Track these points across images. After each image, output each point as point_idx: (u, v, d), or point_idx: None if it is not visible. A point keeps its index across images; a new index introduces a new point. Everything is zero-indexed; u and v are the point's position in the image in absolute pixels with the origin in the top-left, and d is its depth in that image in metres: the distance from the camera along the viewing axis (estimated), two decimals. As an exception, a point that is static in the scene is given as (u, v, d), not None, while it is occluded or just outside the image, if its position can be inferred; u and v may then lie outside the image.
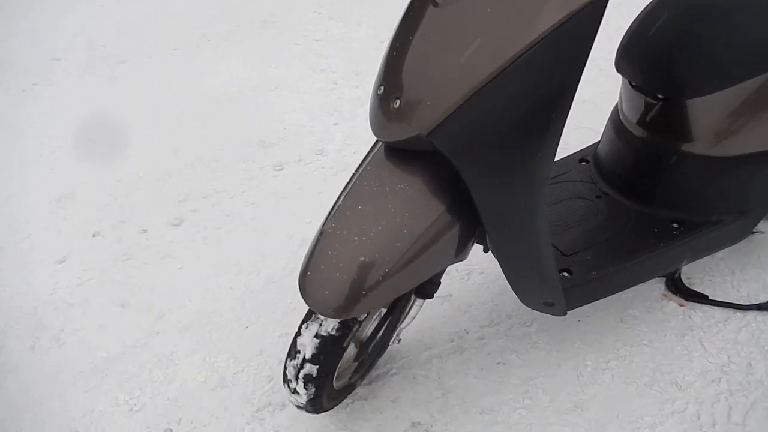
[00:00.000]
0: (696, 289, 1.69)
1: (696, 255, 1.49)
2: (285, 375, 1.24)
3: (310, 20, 3.45)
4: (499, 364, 1.56)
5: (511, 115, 0.96)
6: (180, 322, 1.76)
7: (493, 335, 1.64)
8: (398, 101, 1.01)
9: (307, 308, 1.25)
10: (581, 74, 0.95)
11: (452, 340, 1.63)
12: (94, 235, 2.11)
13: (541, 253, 1.16)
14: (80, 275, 1.94)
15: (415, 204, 1.05)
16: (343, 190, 1.12)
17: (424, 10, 1.03)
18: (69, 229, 2.14)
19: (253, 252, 1.98)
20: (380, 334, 1.28)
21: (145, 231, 2.11)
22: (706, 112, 1.35)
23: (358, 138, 2.52)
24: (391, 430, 1.44)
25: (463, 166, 0.99)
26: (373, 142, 1.19)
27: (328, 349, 1.17)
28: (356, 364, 1.35)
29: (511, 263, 1.20)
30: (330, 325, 1.16)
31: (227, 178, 2.34)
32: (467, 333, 1.65)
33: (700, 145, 1.39)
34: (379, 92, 1.06)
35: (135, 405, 1.55)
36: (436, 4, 1.01)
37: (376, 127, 1.08)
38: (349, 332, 1.17)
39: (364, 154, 1.19)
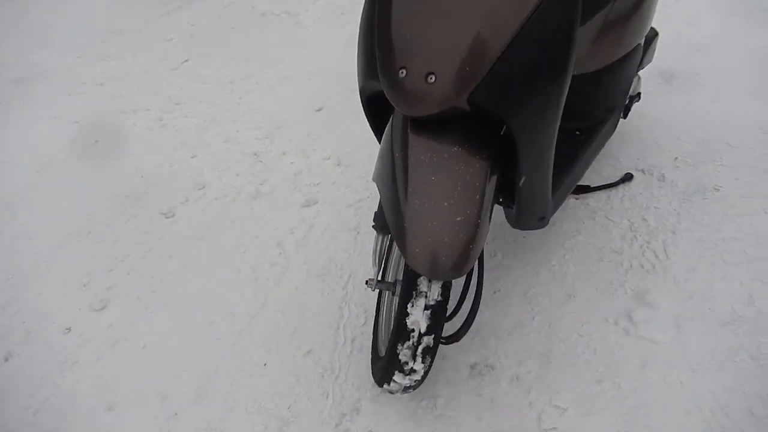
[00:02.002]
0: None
1: (597, 151, 1.90)
2: (397, 363, 1.29)
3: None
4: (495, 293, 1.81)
5: (533, 60, 1.16)
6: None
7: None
8: (433, 76, 1.15)
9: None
10: (579, 12, 1.19)
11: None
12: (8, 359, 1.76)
13: (551, 172, 1.40)
14: None
15: (471, 161, 1.20)
16: (395, 171, 1.21)
17: None
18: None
19: (213, 298, 1.87)
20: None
21: (69, 330, 1.82)
22: (581, 41, 1.73)
23: (227, 161, 2.46)
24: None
25: (504, 112, 1.17)
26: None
27: (439, 316, 1.26)
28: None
29: (533, 193, 1.41)
30: (435, 293, 1.24)
31: (121, 242, 2.11)
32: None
33: (580, 66, 1.76)
34: (402, 75, 1.18)
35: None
36: None
37: (411, 106, 1.20)
38: (449, 293, 1.28)
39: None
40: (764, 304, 1.63)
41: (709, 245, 1.84)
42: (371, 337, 1.63)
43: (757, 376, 1.47)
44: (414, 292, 1.25)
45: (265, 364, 1.66)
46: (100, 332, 1.80)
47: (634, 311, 1.67)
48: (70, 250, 2.11)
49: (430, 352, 1.29)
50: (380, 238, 1.45)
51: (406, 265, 1.25)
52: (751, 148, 2.20)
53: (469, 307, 1.34)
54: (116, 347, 1.75)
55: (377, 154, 1.40)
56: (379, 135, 1.56)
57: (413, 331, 1.26)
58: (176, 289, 1.92)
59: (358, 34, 1.43)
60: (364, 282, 1.51)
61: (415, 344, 1.27)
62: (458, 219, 1.15)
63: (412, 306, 1.25)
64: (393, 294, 1.49)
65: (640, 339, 1.60)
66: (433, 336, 1.27)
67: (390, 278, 1.56)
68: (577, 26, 1.20)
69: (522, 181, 1.35)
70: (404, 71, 1.19)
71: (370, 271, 1.87)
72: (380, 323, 1.60)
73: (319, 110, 2.75)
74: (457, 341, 1.36)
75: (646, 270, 1.79)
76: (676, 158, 2.21)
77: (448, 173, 1.20)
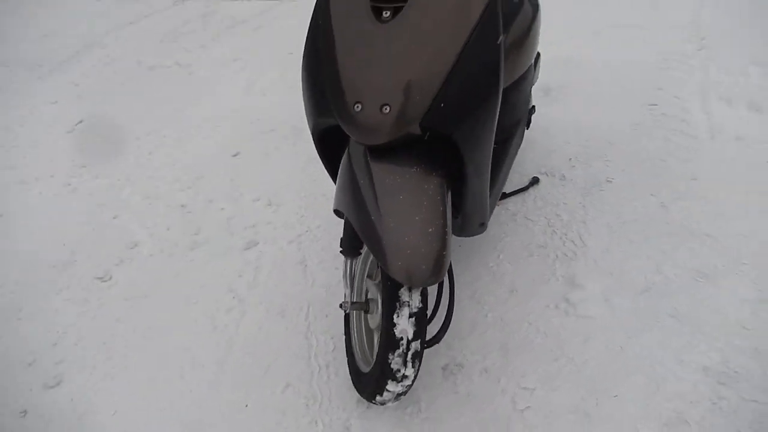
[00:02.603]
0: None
1: (512, 160, 2.12)
2: (389, 373, 1.38)
3: None
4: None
5: (472, 81, 1.34)
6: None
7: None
8: (387, 107, 1.31)
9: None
10: (501, 33, 1.38)
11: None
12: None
13: (489, 180, 1.58)
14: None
15: (429, 179, 1.36)
16: (364, 196, 1.33)
17: (368, 29, 1.34)
18: None
19: (177, 353, 1.85)
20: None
21: (25, 413, 1.71)
22: None
23: (154, 217, 2.43)
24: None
25: (452, 131, 1.34)
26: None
27: (422, 321, 1.37)
28: None
29: (476, 200, 1.58)
30: (416, 301, 1.35)
31: (60, 314, 2.01)
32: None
33: None
34: (357, 109, 1.33)
35: None
36: (383, 22, 1.32)
37: (369, 136, 1.34)
38: (427, 299, 1.40)
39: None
40: (669, 271, 1.92)
41: (615, 229, 2.12)
42: (345, 359, 1.71)
43: (677, 330, 1.73)
44: (397, 303, 1.36)
45: (246, 406, 1.68)
46: (61, 409, 1.71)
47: (568, 294, 1.88)
48: (3, 331, 1.97)
49: (418, 357, 1.40)
50: (349, 261, 1.54)
51: (386, 281, 1.36)
52: (627, 143, 2.56)
53: (446, 309, 1.47)
54: (84, 420, 1.67)
55: (337, 185, 1.51)
56: (331, 168, 1.67)
57: (402, 339, 1.36)
58: (133, 351, 1.87)
59: (301, 79, 1.54)
60: (338, 305, 1.59)
61: (405, 351, 1.37)
62: (430, 230, 1.29)
63: (398, 316, 1.36)
64: (366, 312, 1.59)
65: (579, 317, 1.81)
66: (419, 341, 1.38)
67: (360, 298, 1.65)
68: (502, 47, 1.40)
69: (468, 190, 1.51)
70: (359, 105, 1.33)
71: (326, 300, 1.97)
72: (353, 343, 1.68)
73: (235, 155, 2.79)
74: (438, 342, 1.48)
75: (570, 257, 2.03)
76: (570, 159, 2.51)
77: (413, 192, 1.33)
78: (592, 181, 2.36)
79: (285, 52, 3.71)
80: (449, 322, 1.46)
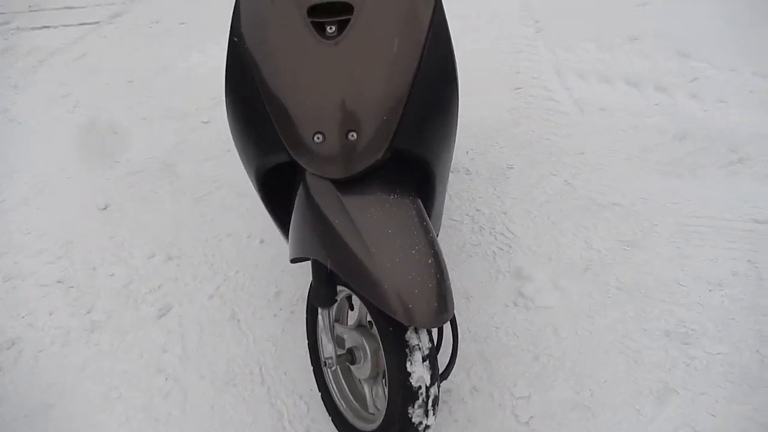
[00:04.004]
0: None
1: None
2: (411, 427, 1.20)
3: None
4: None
5: (433, 95, 1.24)
6: None
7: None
8: (354, 133, 1.15)
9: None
10: (453, 49, 1.28)
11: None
12: None
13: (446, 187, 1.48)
14: None
15: (409, 203, 1.21)
16: (344, 237, 1.14)
17: (312, 48, 1.17)
18: None
19: None
20: None
21: None
22: None
23: (27, 302, 1.95)
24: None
25: (422, 149, 1.23)
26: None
27: (435, 361, 1.22)
28: None
29: (438, 211, 1.47)
30: (425, 341, 1.20)
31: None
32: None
33: None
34: (318, 140, 1.16)
35: None
36: (329, 38, 1.16)
37: (335, 168, 1.17)
38: (432, 335, 1.24)
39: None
40: (598, 245, 1.98)
41: (534, 213, 2.14)
42: (329, 419, 1.49)
43: (628, 301, 1.78)
44: (407, 349, 1.19)
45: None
46: None
47: (521, 288, 1.85)
48: None
49: (437, 401, 1.25)
50: (325, 312, 1.33)
51: (386, 326, 1.18)
52: (511, 128, 2.62)
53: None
54: None
55: (294, 230, 1.29)
56: (274, 212, 1.43)
57: (420, 388, 1.20)
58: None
59: (229, 115, 1.29)
60: (322, 364, 1.38)
61: (425, 400, 1.21)
62: (429, 261, 1.14)
63: (411, 363, 1.19)
64: (353, 362, 1.39)
65: (539, 309, 1.79)
66: (437, 383, 1.23)
67: (340, 349, 1.44)
68: (455, 57, 1.29)
69: (432, 202, 1.39)
70: (320, 136, 1.16)
71: (278, 356, 1.71)
72: (336, 400, 1.48)
73: (104, 208, 2.35)
74: (446, 378, 1.34)
75: (506, 251, 2.00)
76: (467, 152, 2.50)
77: (400, 222, 1.18)
78: (496, 170, 2.37)
79: (124, 81, 3.24)
80: (456, 354, 1.32)
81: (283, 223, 1.44)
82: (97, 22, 4.14)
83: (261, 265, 2.01)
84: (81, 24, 4.14)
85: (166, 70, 3.40)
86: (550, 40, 3.31)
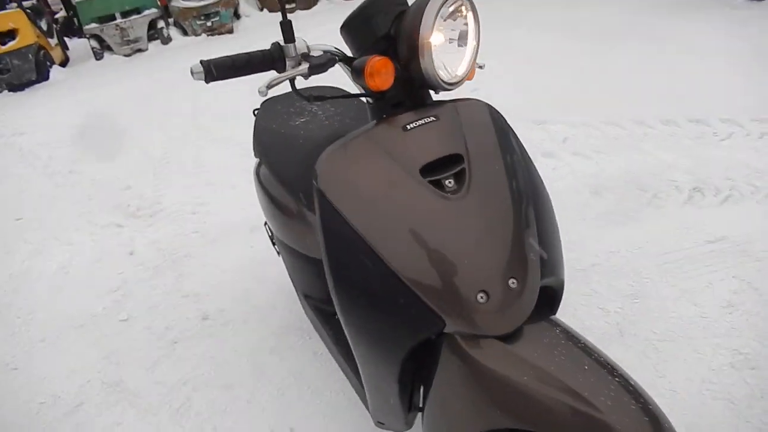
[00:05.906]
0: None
1: None
2: None
3: None
4: None
5: (539, 204, 1.18)
6: None
7: None
8: (514, 281, 1.04)
9: None
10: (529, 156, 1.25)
11: None
12: None
13: None
14: None
15: (568, 329, 1.10)
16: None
17: (439, 207, 1.06)
18: None
19: None
20: None
21: None
22: None
23: None
24: None
25: (559, 267, 1.16)
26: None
27: None
28: None
29: None
30: None
31: None
32: None
33: None
34: (481, 299, 1.02)
35: None
36: (450, 192, 1.07)
37: (503, 323, 1.02)
38: None
39: None
40: (612, 306, 2.01)
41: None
42: None
43: (679, 348, 1.81)
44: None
45: None
46: None
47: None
48: None
49: None
50: None
51: None
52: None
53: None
54: None
55: (440, 408, 1.09)
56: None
57: None
58: None
59: (353, 316, 1.11)
60: None
61: None
62: (633, 383, 1.02)
63: None
64: None
65: None
66: None
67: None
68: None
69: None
70: (483, 295, 1.02)
71: None
72: None
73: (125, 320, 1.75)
74: None
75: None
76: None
77: (587, 351, 1.03)
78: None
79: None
80: None
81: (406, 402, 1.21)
82: None
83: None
84: None
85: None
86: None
